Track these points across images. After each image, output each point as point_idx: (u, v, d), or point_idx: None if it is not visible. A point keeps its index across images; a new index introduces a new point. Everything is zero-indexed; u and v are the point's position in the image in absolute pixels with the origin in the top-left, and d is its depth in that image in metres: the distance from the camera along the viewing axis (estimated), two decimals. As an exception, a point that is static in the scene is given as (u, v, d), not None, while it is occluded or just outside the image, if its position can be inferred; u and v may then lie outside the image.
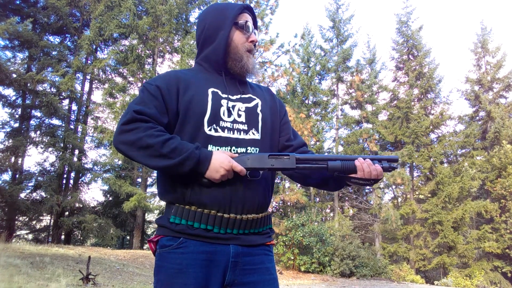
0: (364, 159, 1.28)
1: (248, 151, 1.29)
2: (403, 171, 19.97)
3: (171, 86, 1.29)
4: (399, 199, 22.37)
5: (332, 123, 21.89)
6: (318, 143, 19.91)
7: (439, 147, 20.14)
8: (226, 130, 1.28)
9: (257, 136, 1.33)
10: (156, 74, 15.83)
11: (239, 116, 1.32)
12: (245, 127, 1.32)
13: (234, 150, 1.27)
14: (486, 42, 22.59)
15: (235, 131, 1.29)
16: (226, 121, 1.29)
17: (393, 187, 21.83)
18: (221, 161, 1.18)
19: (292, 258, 14.05)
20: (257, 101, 1.40)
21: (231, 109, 1.31)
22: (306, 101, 21.28)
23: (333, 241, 14.98)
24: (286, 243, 14.15)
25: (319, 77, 22.35)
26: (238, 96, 1.36)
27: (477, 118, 22.33)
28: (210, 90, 1.31)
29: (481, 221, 19.66)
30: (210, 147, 1.24)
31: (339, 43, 22.11)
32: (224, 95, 1.33)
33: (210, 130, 1.26)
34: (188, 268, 1.18)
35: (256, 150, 1.31)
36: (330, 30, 22.39)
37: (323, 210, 20.87)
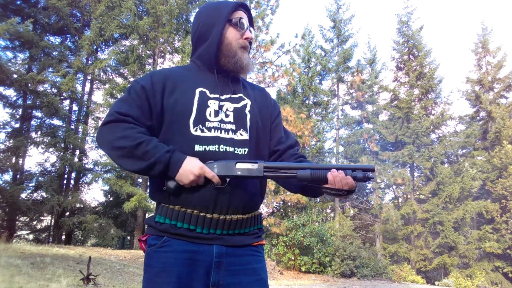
0: (339, 169, 1.23)
1: (236, 152, 1.28)
2: (404, 171, 19.96)
3: (157, 86, 1.29)
4: (400, 199, 22.35)
5: (333, 123, 21.89)
6: (318, 143, 19.90)
7: (439, 147, 20.13)
8: (213, 130, 1.27)
9: (245, 136, 1.32)
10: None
11: (227, 116, 1.31)
12: (233, 127, 1.31)
13: (223, 149, 1.26)
14: (486, 42, 22.57)
15: (223, 131, 1.28)
16: (213, 121, 1.28)
17: (394, 187, 21.82)
18: (192, 166, 1.18)
19: (293, 258, 14.05)
20: (246, 101, 1.38)
21: (219, 109, 1.31)
22: (307, 102, 21.26)
23: (333, 241, 14.97)
24: (287, 243, 14.15)
25: (320, 77, 22.34)
26: (228, 96, 1.35)
27: (478, 118, 22.31)
28: (197, 90, 1.31)
29: (482, 221, 19.63)
30: (197, 147, 1.24)
31: (339, 43, 22.10)
32: (212, 95, 1.32)
33: (196, 130, 1.25)
34: (172, 267, 1.18)
35: (245, 150, 1.30)
36: (331, 30, 22.39)
37: (323, 210, 20.85)
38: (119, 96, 15.82)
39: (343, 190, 1.23)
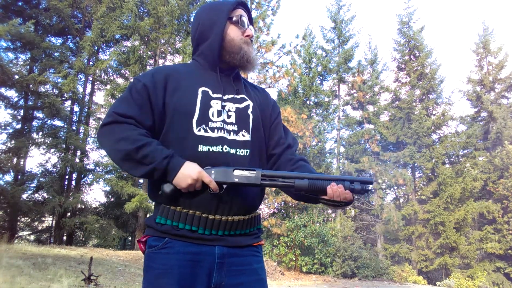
0: (337, 180, 1.22)
1: (238, 153, 1.27)
2: (405, 172, 19.95)
3: (158, 84, 1.28)
4: (401, 200, 22.32)
5: (334, 124, 21.89)
6: (319, 144, 19.90)
7: (441, 148, 20.10)
8: (216, 130, 1.26)
9: (247, 137, 1.31)
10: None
11: (229, 117, 1.30)
12: (235, 128, 1.29)
13: (226, 150, 1.24)
14: (488, 43, 22.54)
15: (225, 131, 1.27)
16: (216, 121, 1.27)
17: (395, 187, 21.80)
18: (190, 170, 1.17)
19: (294, 259, 14.04)
20: (249, 102, 1.37)
21: (221, 109, 1.29)
22: (308, 102, 21.26)
23: (335, 242, 14.97)
24: (288, 244, 14.14)
25: (321, 77, 22.35)
26: (231, 96, 1.34)
27: (479, 118, 22.27)
28: (200, 90, 1.30)
29: (483, 222, 19.60)
30: (201, 147, 1.22)
31: (340, 43, 22.11)
32: (215, 95, 1.31)
33: (199, 130, 1.24)
34: (173, 268, 1.17)
35: (247, 151, 1.28)
36: (332, 31, 22.40)
37: (324, 211, 20.85)
38: (120, 97, 15.82)
39: (341, 202, 1.23)
